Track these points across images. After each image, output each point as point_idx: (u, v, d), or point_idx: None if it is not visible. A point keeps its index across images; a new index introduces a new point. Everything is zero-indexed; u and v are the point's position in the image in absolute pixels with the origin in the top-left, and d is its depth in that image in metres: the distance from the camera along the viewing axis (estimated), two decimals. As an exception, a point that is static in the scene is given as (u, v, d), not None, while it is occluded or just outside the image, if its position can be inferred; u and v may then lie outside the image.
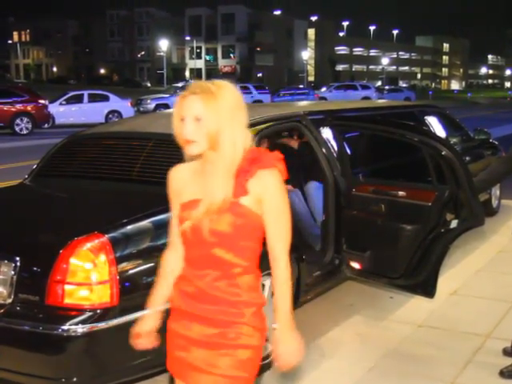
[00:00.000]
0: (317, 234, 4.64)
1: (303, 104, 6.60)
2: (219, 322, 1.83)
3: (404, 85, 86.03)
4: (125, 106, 23.78)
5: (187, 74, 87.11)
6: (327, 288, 4.46)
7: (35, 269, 2.90)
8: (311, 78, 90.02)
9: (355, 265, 4.28)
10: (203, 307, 1.84)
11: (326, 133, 4.48)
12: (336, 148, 4.45)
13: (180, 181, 1.93)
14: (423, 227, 3.98)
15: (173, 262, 1.99)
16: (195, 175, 1.88)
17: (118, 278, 2.79)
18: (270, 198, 1.80)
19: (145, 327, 2.02)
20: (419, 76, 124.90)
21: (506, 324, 4.19)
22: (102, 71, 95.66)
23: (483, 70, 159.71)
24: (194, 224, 1.82)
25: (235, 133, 1.79)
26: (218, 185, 1.78)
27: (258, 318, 1.87)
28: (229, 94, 1.79)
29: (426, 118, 6.23)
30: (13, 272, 2.87)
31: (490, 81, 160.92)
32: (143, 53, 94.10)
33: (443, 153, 3.82)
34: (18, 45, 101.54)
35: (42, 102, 20.42)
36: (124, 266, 2.85)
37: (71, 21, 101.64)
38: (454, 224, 3.97)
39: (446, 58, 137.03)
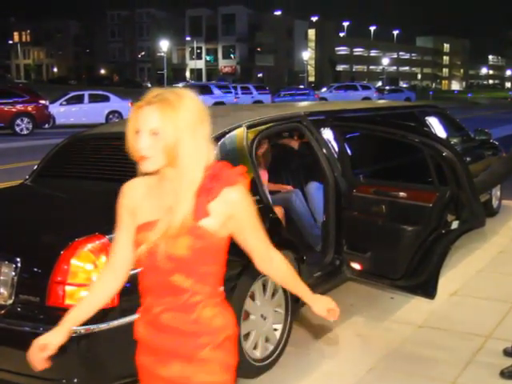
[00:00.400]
0: (317, 234, 4.64)
1: (304, 105, 6.60)
2: (180, 356, 1.68)
3: (404, 85, 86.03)
4: (125, 107, 23.74)
5: (187, 74, 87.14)
6: (328, 289, 4.45)
7: (36, 270, 2.91)
8: (311, 79, 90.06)
9: (356, 266, 4.28)
10: (163, 340, 1.70)
11: (327, 133, 4.49)
12: (336, 149, 4.45)
13: (134, 198, 1.75)
14: (424, 228, 3.98)
15: (107, 284, 1.85)
16: (151, 193, 1.72)
17: (118, 278, 2.79)
18: (242, 215, 1.68)
19: (51, 340, 1.79)
20: (420, 76, 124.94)
21: (506, 324, 4.19)
22: (103, 71, 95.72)
23: (484, 71, 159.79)
24: (149, 248, 1.66)
25: (197, 148, 1.61)
26: (177, 205, 1.61)
27: (223, 350, 1.71)
28: (190, 104, 1.61)
29: (426, 118, 6.23)
30: (13, 273, 2.87)
31: (491, 81, 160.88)
32: (143, 53, 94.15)
33: (444, 154, 3.83)
34: (19, 45, 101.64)
35: (42, 102, 20.45)
36: (125, 266, 2.85)
37: (72, 21, 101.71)
38: (454, 225, 3.97)
39: (446, 59, 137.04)
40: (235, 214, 1.67)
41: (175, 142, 1.58)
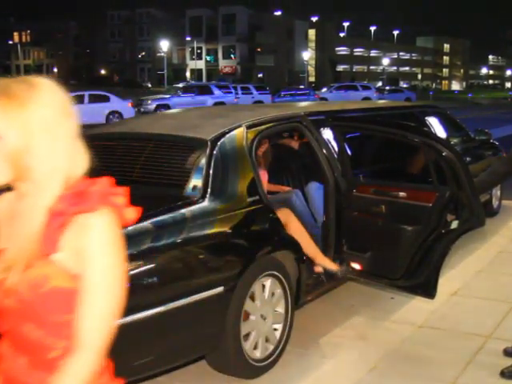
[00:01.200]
0: (317, 234, 4.64)
1: (304, 105, 6.60)
2: None
3: (405, 85, 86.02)
4: (125, 107, 23.81)
5: (188, 74, 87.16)
6: (328, 289, 4.45)
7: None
8: (312, 79, 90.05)
9: (356, 265, 4.28)
10: None
11: (327, 133, 4.49)
12: (336, 149, 4.46)
13: None
14: (424, 228, 3.98)
15: None
16: (10, 213, 1.34)
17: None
18: (90, 256, 1.22)
19: None
20: (420, 76, 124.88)
21: (506, 324, 4.19)
22: (103, 72, 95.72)
23: (484, 71, 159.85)
24: None
25: (55, 156, 1.23)
26: (24, 232, 1.23)
27: None
28: (46, 97, 1.24)
29: (426, 118, 6.23)
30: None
31: (491, 81, 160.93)
32: (144, 53, 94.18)
33: (444, 154, 3.83)
34: (19, 45, 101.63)
35: (42, 102, 20.44)
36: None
37: (72, 21, 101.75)
38: (454, 225, 3.97)
39: (446, 59, 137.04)
40: (84, 252, 1.22)
41: (23, 148, 1.21)
